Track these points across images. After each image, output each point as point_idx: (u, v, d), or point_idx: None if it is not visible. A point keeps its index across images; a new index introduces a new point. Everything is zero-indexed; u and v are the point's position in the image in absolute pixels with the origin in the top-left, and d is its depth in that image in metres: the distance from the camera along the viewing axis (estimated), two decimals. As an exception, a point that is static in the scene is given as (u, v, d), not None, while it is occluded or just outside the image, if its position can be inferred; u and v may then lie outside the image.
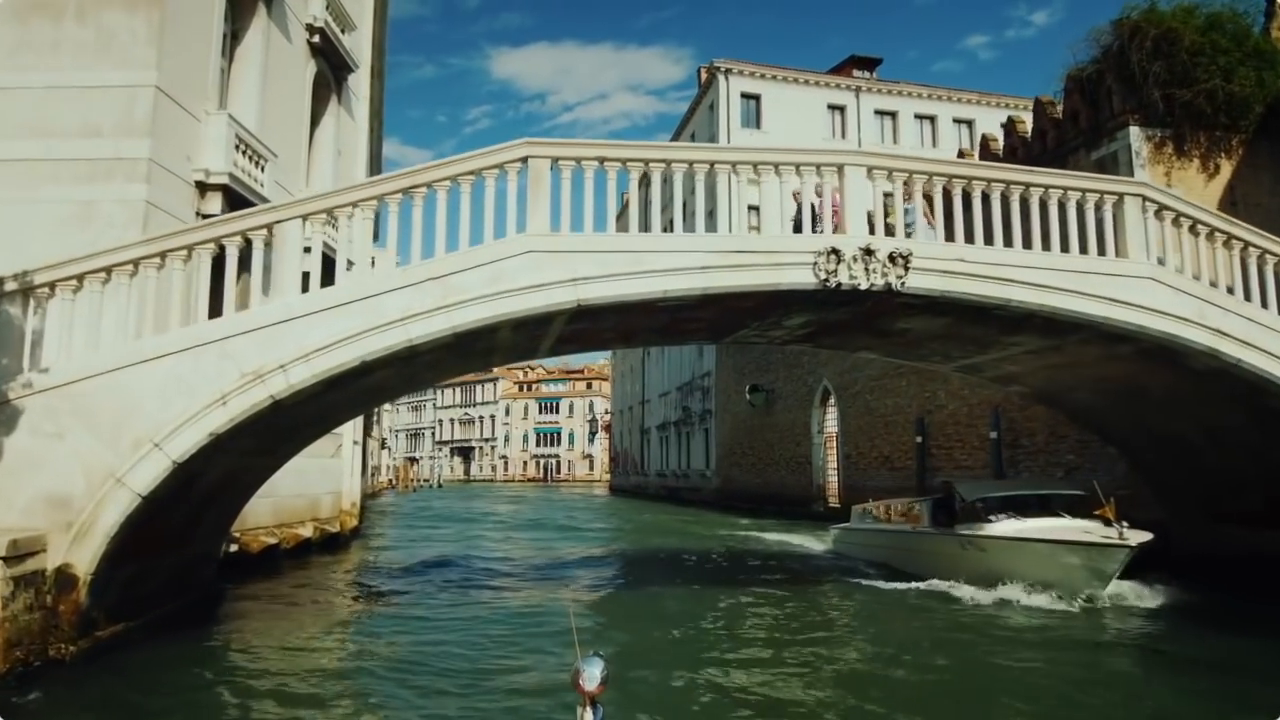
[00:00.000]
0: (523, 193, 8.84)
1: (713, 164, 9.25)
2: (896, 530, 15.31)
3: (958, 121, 44.63)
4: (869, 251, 9.23)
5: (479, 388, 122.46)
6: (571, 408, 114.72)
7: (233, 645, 9.13)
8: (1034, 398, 15.29)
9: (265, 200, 14.68)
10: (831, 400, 29.02)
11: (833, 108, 43.49)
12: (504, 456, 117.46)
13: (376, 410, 51.11)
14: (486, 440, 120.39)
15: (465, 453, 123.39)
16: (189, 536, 9.95)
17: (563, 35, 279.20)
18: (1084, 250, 10.07)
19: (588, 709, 2.85)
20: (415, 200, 8.70)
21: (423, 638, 10.16)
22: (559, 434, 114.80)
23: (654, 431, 53.34)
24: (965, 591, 11.92)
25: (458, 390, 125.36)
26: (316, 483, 18.66)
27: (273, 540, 16.15)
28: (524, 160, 8.83)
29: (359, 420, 23.57)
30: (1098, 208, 10.17)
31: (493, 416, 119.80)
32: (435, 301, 8.39)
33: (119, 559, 8.12)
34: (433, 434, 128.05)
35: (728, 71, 41.99)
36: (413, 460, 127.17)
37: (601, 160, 8.98)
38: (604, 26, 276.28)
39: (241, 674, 8.06)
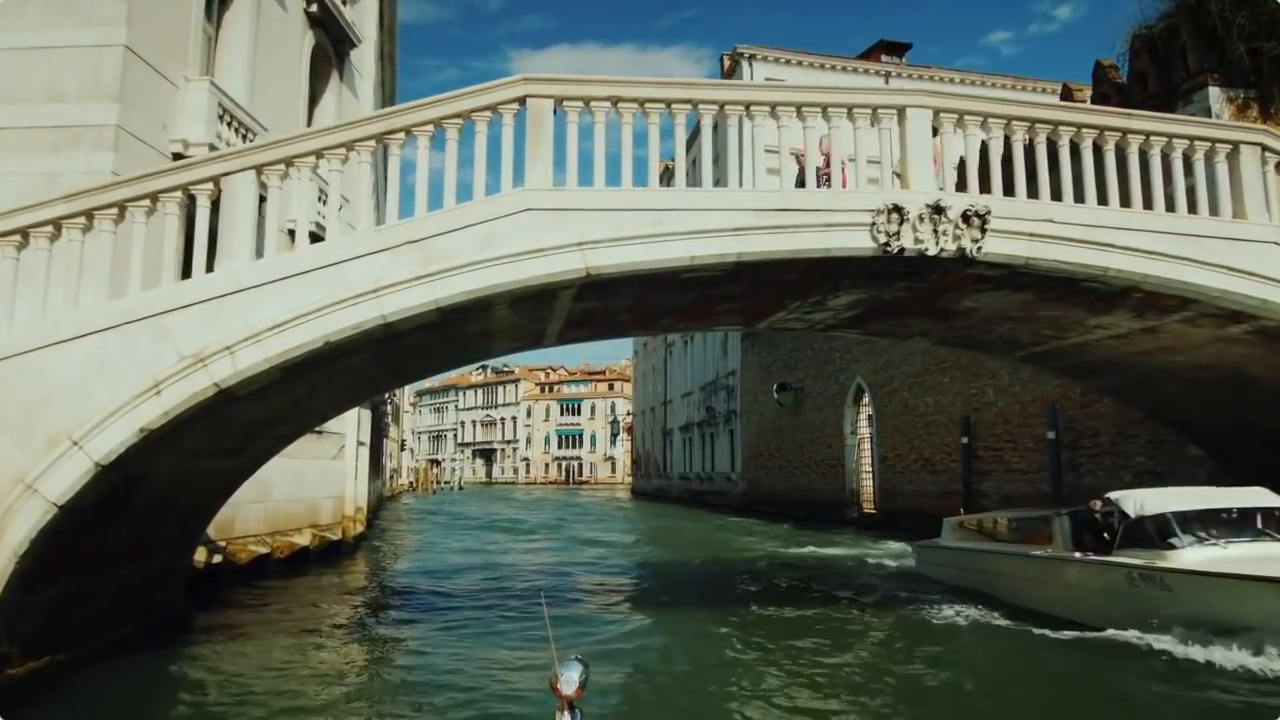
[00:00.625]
0: (520, 141, 7.35)
1: (748, 105, 7.68)
2: (1016, 554, 11.29)
3: (993, 109, 42.69)
4: (938, 209, 7.63)
5: (500, 389, 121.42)
6: (593, 409, 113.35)
7: (176, 685, 7.69)
8: (1108, 391, 13.58)
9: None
10: (866, 399, 27.31)
11: (862, 95, 41.73)
12: (525, 459, 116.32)
13: (392, 410, 49.69)
14: (508, 442, 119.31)
15: (487, 455, 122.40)
16: (142, 550, 8.53)
17: (584, 37, 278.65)
18: (1192, 210, 8.43)
19: (565, 713, 2.82)
20: (392, 149, 7.23)
21: (413, 673, 8.74)
22: (581, 436, 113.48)
23: (676, 433, 51.76)
24: (1146, 641, 8.35)
25: (480, 392, 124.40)
26: (315, 486, 17.30)
27: (263, 550, 14.77)
28: (521, 101, 7.33)
29: (365, 420, 22.22)
30: (1208, 160, 8.52)
31: (514, 418, 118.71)
32: (414, 270, 6.90)
33: (36, 580, 6.70)
34: (455, 436, 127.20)
35: (751, 58, 40.38)
36: (435, 462, 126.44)
37: (615, 100, 7.44)
38: (624, 28, 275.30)
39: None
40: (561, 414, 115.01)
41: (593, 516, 36.76)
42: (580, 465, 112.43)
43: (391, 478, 57.25)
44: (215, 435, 8.00)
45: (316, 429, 17.30)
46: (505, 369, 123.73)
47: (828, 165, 8.51)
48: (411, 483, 75.05)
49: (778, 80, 41.06)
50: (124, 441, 6.47)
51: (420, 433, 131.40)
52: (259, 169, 6.94)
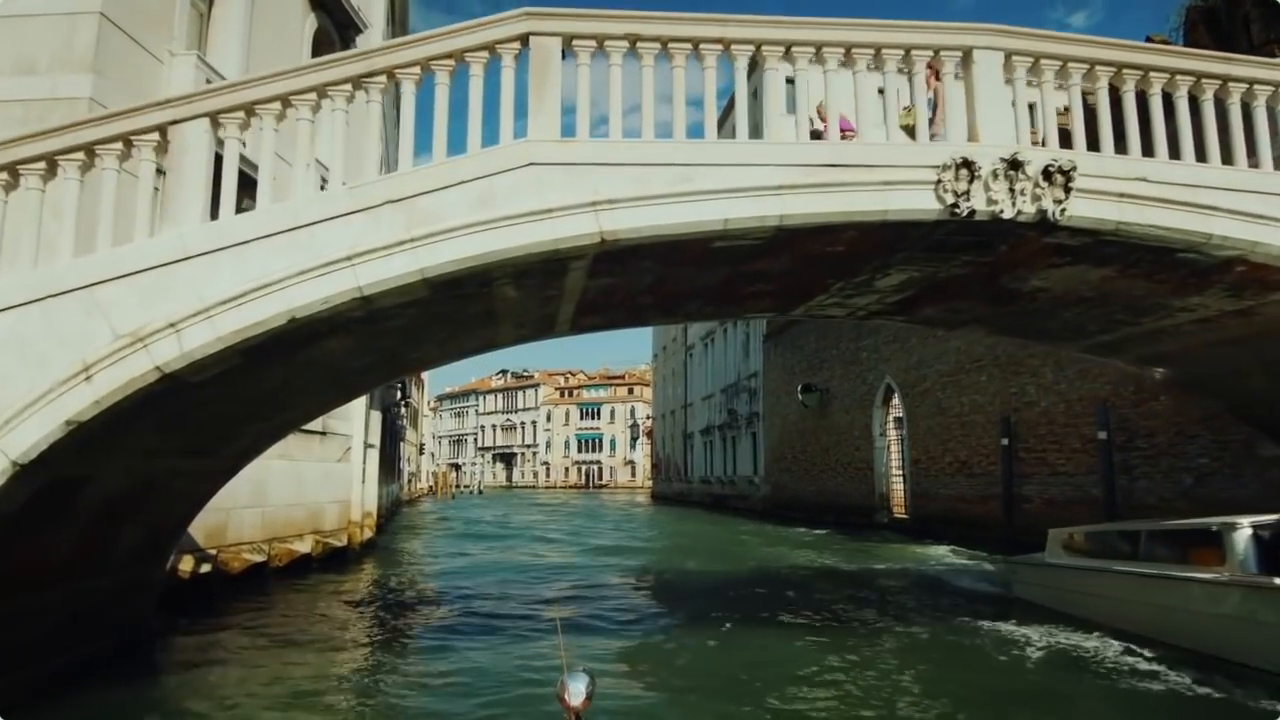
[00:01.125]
0: (523, 87, 6.18)
1: (789, 45, 6.47)
2: (1169, 577, 8.48)
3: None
4: (1015, 164, 6.39)
5: (520, 394, 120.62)
6: (613, 413, 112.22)
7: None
8: (1181, 385, 12.23)
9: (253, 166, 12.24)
10: (896, 399, 25.95)
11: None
12: (545, 463, 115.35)
13: (410, 413, 48.66)
14: (528, 446, 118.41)
15: (507, 459, 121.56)
16: (95, 563, 7.44)
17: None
18: (1304, 169, 7.15)
19: None
20: (370, 95, 6.09)
21: (410, 687, 7.62)
22: (600, 440, 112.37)
23: (697, 436, 50.46)
24: None
25: (500, 396, 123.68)
26: (318, 490, 16.23)
27: (259, 558, 13.70)
28: (524, 40, 6.17)
29: (375, 422, 21.18)
30: (1323, 111, 7.24)
31: (534, 423, 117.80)
32: (397, 234, 5.76)
33: (-48, 602, 5.64)
34: (475, 440, 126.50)
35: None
36: (456, 466, 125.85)
37: (633, 40, 6.26)
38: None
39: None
40: (581, 418, 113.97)
41: (610, 522, 35.56)
42: (600, 469, 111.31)
43: (410, 481, 56.34)
44: (175, 431, 6.88)
45: (318, 429, 16.27)
46: (525, 373, 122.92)
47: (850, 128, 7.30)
48: (431, 487, 74.19)
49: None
50: (47, 436, 5.35)
51: (441, 437, 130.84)
52: (214, 116, 5.82)
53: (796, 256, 7.35)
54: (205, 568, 12.19)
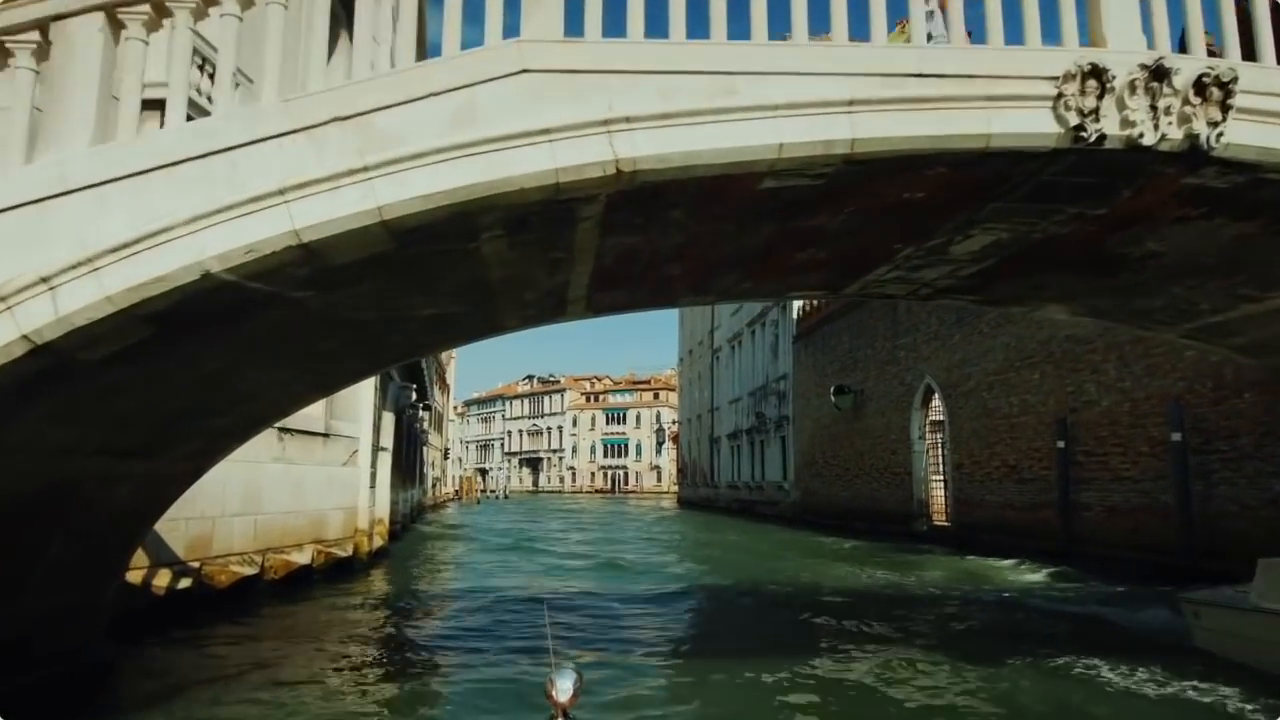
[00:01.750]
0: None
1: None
2: None
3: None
4: (1159, 74, 4.79)
5: (546, 399, 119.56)
6: (639, 418, 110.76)
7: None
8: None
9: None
10: (936, 400, 24.20)
11: None
12: (571, 468, 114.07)
13: (434, 416, 47.21)
14: (554, 451, 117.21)
15: (534, 464, 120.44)
16: (11, 582, 6.05)
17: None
18: None
19: None
20: (319, -14, 4.64)
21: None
22: (626, 445, 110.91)
23: (724, 441, 48.79)
24: None
25: (526, 402, 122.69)
26: (320, 496, 14.84)
27: (250, 570, 12.30)
28: (518, -89, 4.69)
29: (388, 423, 19.82)
30: None
31: (560, 428, 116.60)
32: (346, 161, 4.28)
33: None
34: (502, 445, 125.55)
35: None
36: (483, 472, 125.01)
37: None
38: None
39: None
40: (607, 423, 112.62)
41: (634, 528, 34.03)
42: (626, 474, 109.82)
43: (434, 486, 55.18)
44: (89, 426, 5.45)
45: (320, 430, 14.90)
46: (551, 378, 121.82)
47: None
48: (457, 491, 73.11)
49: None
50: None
51: (468, 442, 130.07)
52: (110, 11, 4.38)
53: (862, 209, 5.78)
54: (185, 583, 10.80)
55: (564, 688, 2.93)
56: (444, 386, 61.89)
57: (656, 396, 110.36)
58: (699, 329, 57.75)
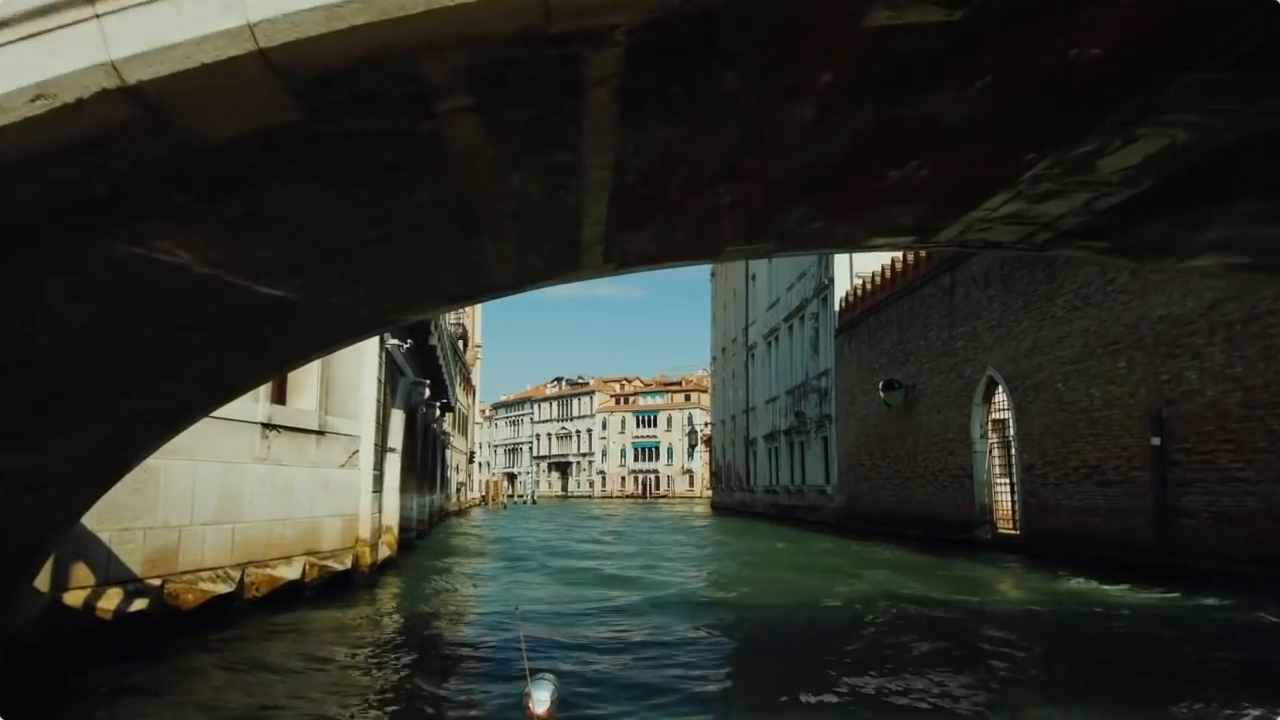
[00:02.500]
0: None
1: None
2: None
3: None
4: None
5: (575, 401, 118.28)
6: (670, 421, 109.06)
7: None
8: None
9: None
10: (1000, 395, 22.19)
11: None
12: (601, 472, 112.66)
13: (458, 418, 45.61)
14: (584, 455, 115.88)
15: (563, 468, 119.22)
16: None
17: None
18: None
19: None
20: None
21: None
22: (657, 448, 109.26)
23: (761, 442, 46.90)
24: None
25: (554, 404, 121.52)
26: (314, 502, 13.30)
27: (225, 587, 10.71)
28: None
29: (397, 422, 18.29)
30: None
31: (589, 430, 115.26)
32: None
33: None
34: (530, 449, 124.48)
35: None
36: (511, 476, 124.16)
37: None
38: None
39: None
40: (638, 426, 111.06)
41: (667, 535, 32.27)
42: (657, 478, 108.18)
43: (459, 491, 53.90)
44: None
45: (314, 427, 13.37)
46: (580, 380, 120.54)
47: None
48: (484, 496, 71.89)
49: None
50: None
51: (496, 446, 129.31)
52: None
53: (1002, 81, 3.98)
54: (140, 604, 9.23)
55: (540, 699, 3.02)
56: (468, 387, 60.61)
57: (688, 398, 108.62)
58: (732, 325, 55.91)
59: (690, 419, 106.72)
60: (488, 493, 72.22)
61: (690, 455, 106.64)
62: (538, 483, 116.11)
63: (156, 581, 9.71)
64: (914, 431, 26.47)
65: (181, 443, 7.60)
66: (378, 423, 15.39)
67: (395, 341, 16.29)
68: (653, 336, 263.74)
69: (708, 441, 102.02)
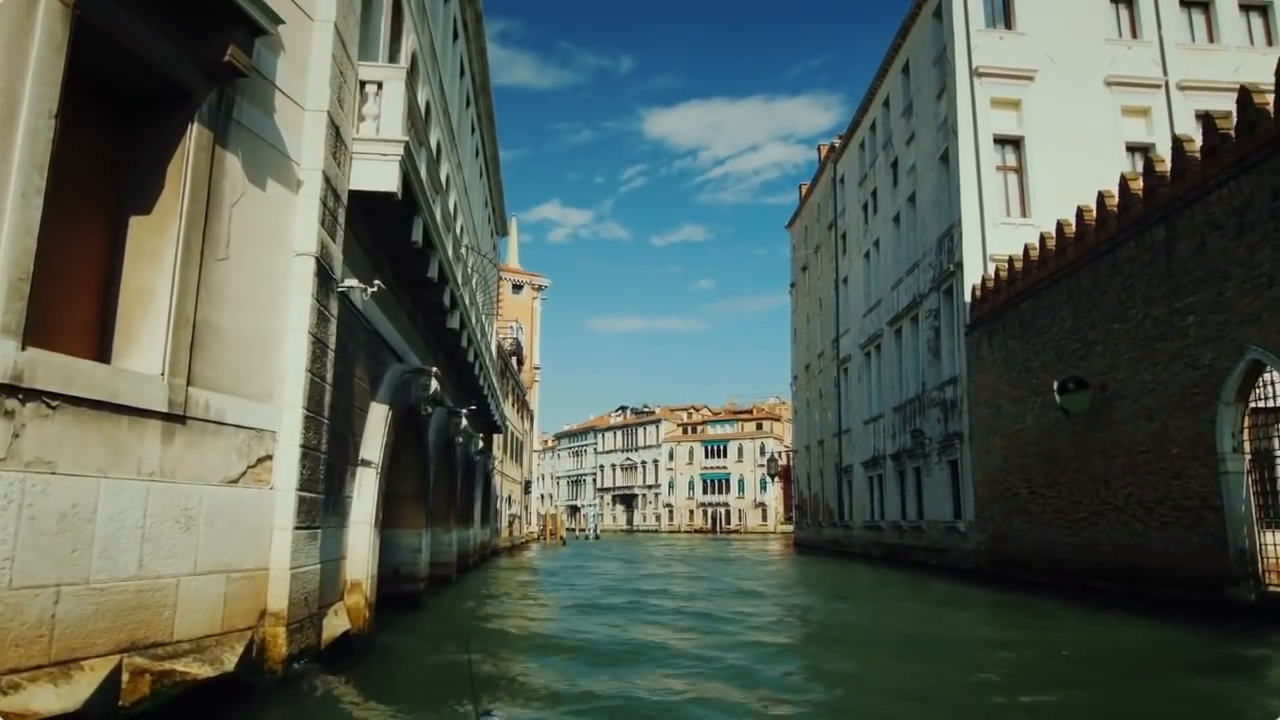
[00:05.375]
0: None
1: None
2: None
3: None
4: None
5: (640, 430, 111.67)
6: (740, 451, 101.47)
7: None
8: None
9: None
10: (1268, 386, 14.85)
11: (1119, -4, 29.43)
12: (669, 505, 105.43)
13: (510, 442, 38.67)
14: (650, 487, 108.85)
15: (628, 500, 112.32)
16: None
17: (713, 92, 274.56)
18: None
19: None
20: None
21: None
22: (727, 480, 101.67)
23: (858, 470, 39.48)
24: None
25: (619, 434, 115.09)
26: (153, 549, 6.91)
27: None
28: None
29: (377, 419, 11.97)
30: None
31: (655, 461, 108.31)
32: None
33: None
34: (594, 481, 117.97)
35: None
36: (574, 509, 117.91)
37: None
38: (753, 81, 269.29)
39: None
40: (706, 456, 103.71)
41: (755, 583, 25.20)
42: (727, 512, 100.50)
43: (511, 524, 47.51)
44: None
45: (160, 407, 6.95)
46: (645, 409, 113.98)
47: None
48: (541, 529, 65.38)
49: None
50: None
51: (559, 477, 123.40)
52: None
53: None
54: None
55: None
56: (524, 409, 54.52)
57: (759, 427, 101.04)
58: (818, 339, 48.75)
59: (762, 449, 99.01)
60: (545, 526, 65.67)
61: (763, 488, 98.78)
62: (601, 516, 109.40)
63: None
64: (1105, 447, 19.05)
65: None
66: (313, 411, 8.98)
67: (354, 282, 9.92)
68: (717, 369, 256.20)
69: (784, 473, 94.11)
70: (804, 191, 53.82)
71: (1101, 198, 19.49)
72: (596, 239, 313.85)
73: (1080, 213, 20.35)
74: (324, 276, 9.19)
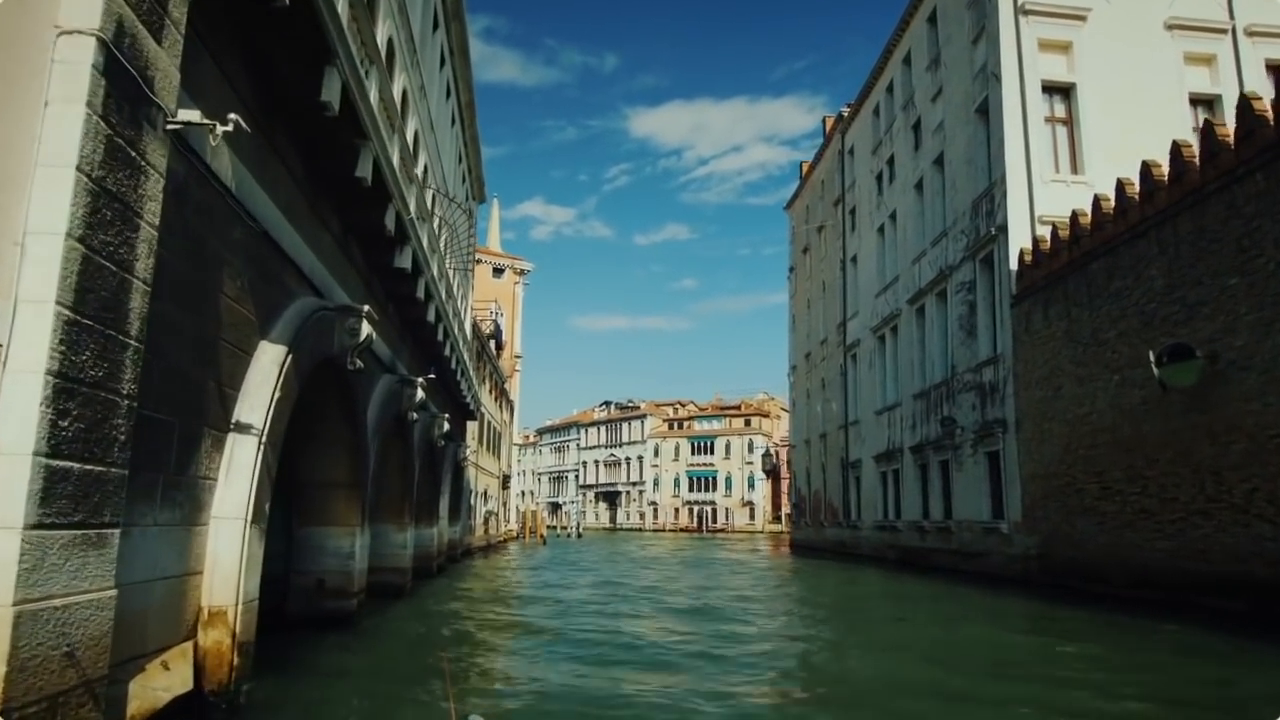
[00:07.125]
0: None
1: None
2: None
3: None
4: None
5: (625, 426, 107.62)
6: (728, 448, 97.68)
7: None
8: None
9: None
10: None
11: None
12: (653, 503, 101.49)
13: (490, 433, 34.15)
14: (634, 484, 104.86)
15: (611, 498, 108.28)
16: None
17: (697, 93, 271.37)
18: None
19: None
20: None
21: None
22: (714, 478, 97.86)
23: (868, 464, 35.69)
24: None
25: (602, 429, 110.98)
26: None
27: None
28: None
29: (264, 372, 7.84)
30: None
31: (640, 458, 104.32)
32: None
33: None
34: (576, 477, 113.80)
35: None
36: (556, 506, 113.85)
37: None
38: (738, 82, 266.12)
39: None
40: (693, 453, 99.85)
41: (751, 595, 21.30)
42: (714, 511, 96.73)
43: (487, 521, 43.41)
44: None
45: None
46: (630, 404, 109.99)
47: None
48: (520, 527, 61.23)
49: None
50: None
51: (540, 474, 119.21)
52: None
53: None
54: None
55: None
56: (503, 399, 50.38)
57: (748, 423, 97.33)
58: (822, 325, 44.95)
59: (750, 446, 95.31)
60: (524, 524, 61.52)
61: (751, 485, 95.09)
62: (583, 513, 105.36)
63: None
64: (1217, 431, 15.27)
65: None
66: (92, 317, 4.93)
67: (194, 115, 5.87)
68: (702, 367, 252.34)
69: (774, 471, 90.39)
70: (805, 170, 50.02)
71: (1209, 125, 15.73)
72: (580, 237, 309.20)
73: (1178, 148, 16.58)
74: (123, 82, 5.12)
